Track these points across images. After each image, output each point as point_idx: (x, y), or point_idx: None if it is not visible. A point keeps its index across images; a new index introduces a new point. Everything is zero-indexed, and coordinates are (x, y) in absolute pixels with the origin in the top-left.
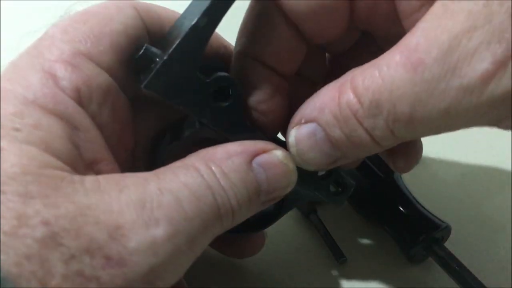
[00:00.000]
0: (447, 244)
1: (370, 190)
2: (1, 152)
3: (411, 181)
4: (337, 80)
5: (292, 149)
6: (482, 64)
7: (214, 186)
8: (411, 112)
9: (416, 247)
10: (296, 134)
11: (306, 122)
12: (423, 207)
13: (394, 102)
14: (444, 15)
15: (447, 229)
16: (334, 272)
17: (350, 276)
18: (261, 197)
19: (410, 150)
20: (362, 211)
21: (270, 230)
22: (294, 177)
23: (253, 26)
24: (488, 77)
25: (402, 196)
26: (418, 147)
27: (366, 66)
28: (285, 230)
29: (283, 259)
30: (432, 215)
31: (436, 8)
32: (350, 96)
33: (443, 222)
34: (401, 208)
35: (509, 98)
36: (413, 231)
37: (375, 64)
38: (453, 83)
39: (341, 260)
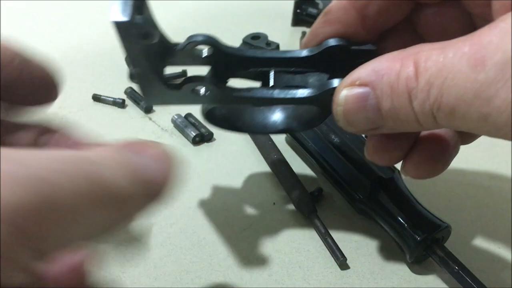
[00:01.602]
0: (447, 244)
1: (370, 190)
2: None
3: (411, 181)
4: (402, 50)
5: (339, 107)
6: None
7: None
8: (454, 106)
9: (416, 247)
10: (348, 93)
11: (360, 85)
12: (423, 207)
13: (442, 92)
14: None
15: (447, 229)
16: (334, 272)
17: (350, 276)
18: None
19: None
20: (362, 211)
21: (270, 230)
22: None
23: None
24: None
25: (402, 196)
26: (444, 160)
27: (436, 45)
28: (285, 230)
29: (283, 259)
30: (432, 215)
31: None
32: (411, 71)
33: (443, 222)
34: (401, 208)
35: None
36: (413, 231)
37: (445, 47)
38: (502, 95)
39: (341, 260)
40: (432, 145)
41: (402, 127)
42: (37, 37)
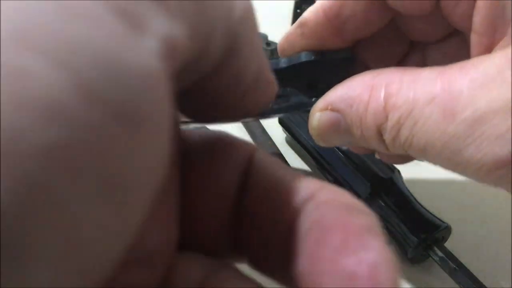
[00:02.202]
0: (447, 244)
1: (370, 190)
2: None
3: (411, 181)
4: (374, 75)
5: (313, 130)
6: (503, 150)
7: None
8: (425, 149)
9: (416, 247)
10: (320, 118)
11: (332, 110)
12: (423, 207)
13: (413, 134)
14: (499, 75)
15: (447, 229)
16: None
17: None
18: None
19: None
20: None
21: None
22: None
23: None
24: (502, 165)
25: (402, 196)
26: None
27: (407, 75)
28: None
29: None
30: (432, 215)
31: (497, 58)
32: (380, 106)
33: (443, 222)
34: (400, 208)
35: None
36: (413, 231)
37: (416, 80)
38: (470, 150)
39: None
40: None
41: (375, 149)
42: None
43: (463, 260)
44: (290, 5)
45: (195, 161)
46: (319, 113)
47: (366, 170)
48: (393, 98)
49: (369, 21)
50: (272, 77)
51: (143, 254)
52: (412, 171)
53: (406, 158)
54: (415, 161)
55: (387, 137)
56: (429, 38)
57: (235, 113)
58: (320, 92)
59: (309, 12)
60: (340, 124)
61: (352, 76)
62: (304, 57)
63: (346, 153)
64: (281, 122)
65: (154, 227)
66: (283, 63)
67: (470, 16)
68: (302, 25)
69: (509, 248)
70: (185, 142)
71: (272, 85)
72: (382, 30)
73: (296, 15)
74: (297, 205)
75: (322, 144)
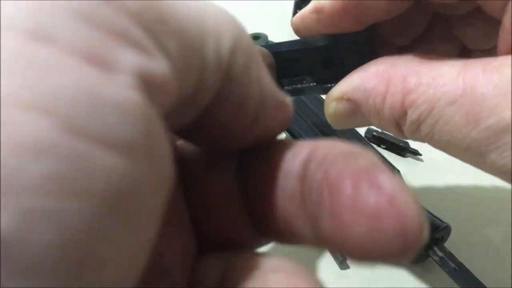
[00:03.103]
0: (447, 244)
1: None
2: None
3: (411, 181)
4: (388, 64)
5: (330, 117)
6: None
7: None
8: (447, 147)
9: None
10: (337, 107)
11: (347, 101)
12: (423, 207)
13: (434, 132)
14: None
15: (447, 229)
16: (334, 272)
17: (349, 276)
18: None
19: None
20: None
21: None
22: None
23: None
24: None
25: None
26: None
27: (424, 69)
28: None
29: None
30: (432, 215)
31: None
32: (397, 101)
33: (443, 222)
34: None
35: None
36: None
37: (436, 77)
38: (492, 156)
39: (341, 260)
40: None
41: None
42: None
43: (463, 260)
44: (290, 5)
45: (192, 166)
46: (335, 103)
47: None
48: (412, 94)
49: (392, 8)
50: (284, 100)
51: (162, 271)
52: (412, 171)
53: None
54: (415, 161)
55: (406, 129)
56: (456, 12)
57: (248, 140)
58: (335, 70)
59: (325, 0)
60: (357, 112)
61: (366, 64)
62: (318, 42)
63: None
64: None
65: (168, 244)
66: (297, 44)
67: (503, 10)
68: (318, 11)
69: (509, 248)
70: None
71: (284, 108)
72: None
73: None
74: (298, 170)
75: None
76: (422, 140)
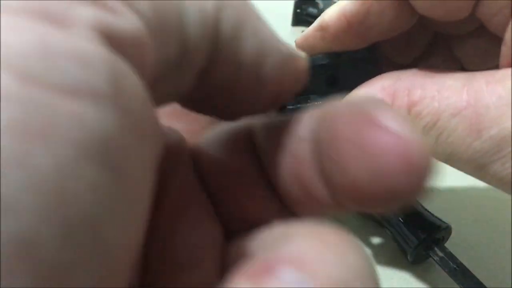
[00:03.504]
0: (447, 245)
1: None
2: None
3: None
4: (393, 80)
5: None
6: None
7: None
8: (450, 157)
9: (416, 248)
10: None
11: None
12: (423, 207)
13: (438, 143)
14: None
15: (447, 230)
16: None
17: None
18: None
19: None
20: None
21: None
22: None
23: None
24: None
25: None
26: None
27: (430, 81)
28: None
29: None
30: (433, 215)
31: None
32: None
33: (443, 222)
34: (401, 209)
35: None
36: (413, 232)
37: (440, 90)
38: (495, 167)
39: None
40: None
41: None
42: None
43: (463, 260)
44: (290, 5)
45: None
46: None
47: None
48: (417, 107)
49: (394, 27)
50: (293, 54)
51: (194, 261)
52: None
53: None
54: None
55: None
56: (457, 31)
57: (258, 103)
58: (340, 89)
59: (330, 17)
60: None
61: (371, 80)
62: (321, 60)
63: None
64: None
65: (196, 234)
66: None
67: (506, 26)
68: (322, 29)
69: (509, 248)
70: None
71: (294, 63)
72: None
73: (296, 15)
74: (310, 134)
75: None
76: None
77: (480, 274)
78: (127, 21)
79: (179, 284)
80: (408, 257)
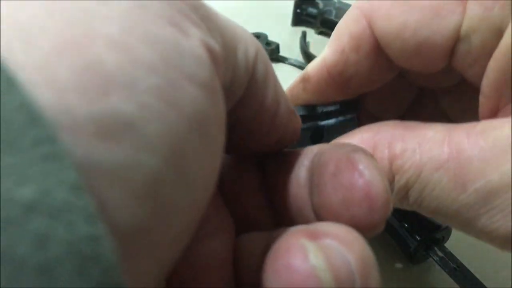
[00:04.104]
0: (447, 245)
1: None
2: None
3: None
4: (372, 133)
5: None
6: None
7: None
8: (436, 211)
9: (416, 248)
10: None
11: None
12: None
13: (422, 198)
14: (510, 148)
15: (447, 230)
16: None
17: None
18: None
19: None
20: None
21: None
22: None
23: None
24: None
25: None
26: None
27: (409, 134)
28: None
29: None
30: None
31: (506, 129)
32: (385, 167)
33: None
34: (401, 209)
35: None
36: (413, 232)
37: (421, 143)
38: (482, 220)
39: None
40: None
41: None
42: None
43: (463, 260)
44: (290, 5)
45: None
46: None
47: None
48: (399, 160)
49: (374, 78)
50: (293, 109)
51: (211, 229)
52: None
53: None
54: None
55: (395, 197)
56: (440, 86)
57: (265, 142)
58: (324, 141)
59: (312, 68)
60: None
61: (351, 132)
62: (298, 112)
63: None
64: None
65: (214, 226)
66: None
67: (482, 77)
68: (305, 80)
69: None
70: None
71: (295, 115)
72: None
73: (296, 15)
74: (308, 163)
75: None
76: (410, 207)
77: (480, 274)
78: (215, 44)
79: (200, 247)
80: (408, 257)
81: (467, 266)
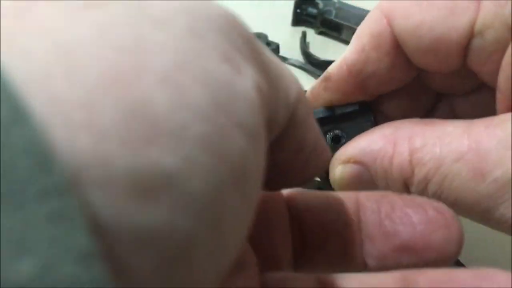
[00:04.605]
0: None
1: None
2: None
3: None
4: (393, 128)
5: (335, 182)
6: None
7: None
8: (455, 203)
9: None
10: (343, 171)
11: (354, 163)
12: None
13: (442, 189)
14: None
15: None
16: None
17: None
18: None
19: None
20: None
21: None
22: None
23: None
24: None
25: None
26: None
27: (430, 130)
28: None
29: None
30: None
31: None
32: (405, 160)
33: None
34: None
35: None
36: None
37: (441, 137)
38: (501, 209)
39: None
40: None
41: None
42: None
43: (463, 260)
44: (290, 5)
45: None
46: (341, 166)
47: None
48: (419, 154)
49: (393, 77)
50: (325, 144)
51: (242, 263)
52: None
53: None
54: None
55: (414, 190)
56: (457, 91)
57: (299, 177)
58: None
59: (333, 67)
60: (363, 176)
61: (371, 130)
62: (315, 115)
63: None
64: None
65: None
66: None
67: (497, 74)
68: (326, 79)
69: (509, 248)
70: None
71: (327, 151)
72: (407, 86)
73: (296, 15)
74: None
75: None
76: (430, 197)
77: None
78: (264, 84)
79: (230, 282)
80: None
81: (467, 266)
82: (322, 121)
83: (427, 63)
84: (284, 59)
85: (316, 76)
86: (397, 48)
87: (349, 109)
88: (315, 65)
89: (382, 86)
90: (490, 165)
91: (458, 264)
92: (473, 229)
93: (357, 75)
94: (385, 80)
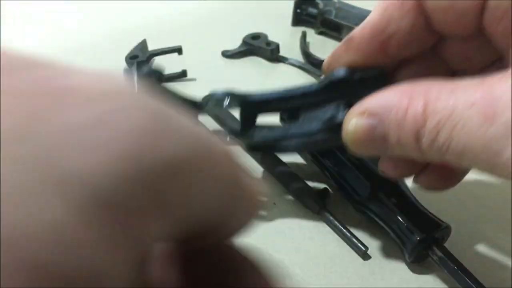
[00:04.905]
0: (447, 244)
1: (370, 190)
2: None
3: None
4: (412, 84)
5: (348, 135)
6: None
7: None
8: (463, 152)
9: (415, 247)
10: (357, 123)
11: (369, 116)
12: (423, 207)
13: (452, 137)
14: None
15: (447, 229)
16: (334, 272)
17: (350, 277)
18: None
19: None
20: (362, 211)
21: (272, 231)
22: None
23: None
24: None
25: (402, 196)
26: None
27: (446, 86)
28: (287, 230)
29: (282, 259)
30: (432, 215)
31: None
32: (419, 111)
33: (443, 222)
34: (400, 208)
35: None
36: (412, 231)
37: (455, 89)
38: (507, 153)
39: (363, 251)
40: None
41: (407, 155)
42: (37, 39)
43: (463, 260)
44: (290, 5)
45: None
46: (356, 119)
47: (366, 170)
48: (432, 105)
49: (413, 39)
50: (253, 189)
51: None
52: None
53: (412, 170)
54: None
55: (425, 140)
56: (472, 65)
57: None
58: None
59: (356, 29)
60: (376, 129)
61: (389, 87)
62: (335, 75)
63: (346, 152)
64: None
65: None
66: (315, 85)
67: (510, 34)
68: (348, 40)
69: (509, 248)
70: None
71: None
72: (424, 59)
73: (296, 15)
74: None
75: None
76: (439, 151)
77: (480, 274)
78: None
79: None
80: (407, 257)
81: (467, 266)
82: (340, 85)
83: (446, 21)
84: (284, 59)
85: (316, 76)
86: (418, 7)
87: (369, 74)
88: (315, 65)
89: (402, 48)
90: (500, 109)
91: (460, 267)
92: (473, 229)
93: (379, 35)
94: (406, 42)
